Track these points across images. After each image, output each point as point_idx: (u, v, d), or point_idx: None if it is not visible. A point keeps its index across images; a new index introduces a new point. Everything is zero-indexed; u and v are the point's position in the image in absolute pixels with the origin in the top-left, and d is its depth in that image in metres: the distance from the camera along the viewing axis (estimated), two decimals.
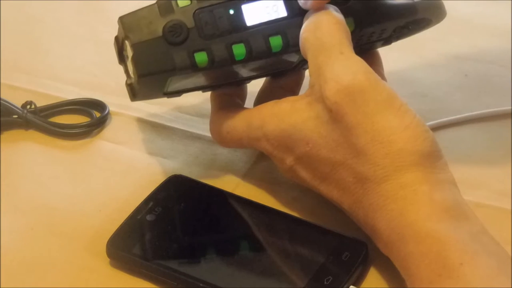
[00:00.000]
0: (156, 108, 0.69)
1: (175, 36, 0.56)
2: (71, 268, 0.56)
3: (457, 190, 0.53)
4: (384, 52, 0.63)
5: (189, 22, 0.56)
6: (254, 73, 0.59)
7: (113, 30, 0.58)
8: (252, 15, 0.57)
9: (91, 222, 0.59)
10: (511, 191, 0.61)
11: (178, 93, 0.59)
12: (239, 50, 0.57)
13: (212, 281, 0.54)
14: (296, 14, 0.57)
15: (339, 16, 0.56)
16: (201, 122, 0.68)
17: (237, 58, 0.57)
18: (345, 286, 0.53)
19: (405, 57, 0.74)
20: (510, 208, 0.59)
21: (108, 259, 0.56)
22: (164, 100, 0.61)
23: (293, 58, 0.58)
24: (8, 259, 0.57)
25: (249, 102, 0.63)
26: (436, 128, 0.66)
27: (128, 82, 0.58)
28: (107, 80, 0.73)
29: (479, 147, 0.65)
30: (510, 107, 0.68)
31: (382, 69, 0.62)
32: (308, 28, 0.56)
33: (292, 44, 0.57)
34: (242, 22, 0.57)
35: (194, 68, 0.56)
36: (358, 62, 0.54)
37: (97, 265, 0.56)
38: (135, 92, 0.58)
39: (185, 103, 0.69)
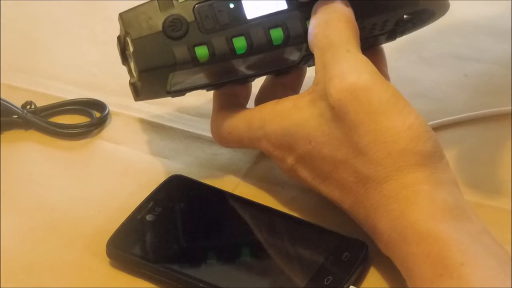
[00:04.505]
0: (156, 108, 0.69)
1: (175, 30, 0.56)
2: (71, 268, 0.56)
3: (458, 191, 0.53)
4: (385, 52, 0.63)
5: (189, 17, 0.56)
6: (256, 71, 0.59)
7: (113, 30, 0.58)
8: (252, 8, 0.57)
9: (91, 222, 0.59)
10: (511, 191, 0.61)
11: (182, 91, 0.59)
12: (239, 43, 0.57)
13: (212, 281, 0.53)
14: (297, 6, 0.57)
15: (349, 13, 0.56)
16: (201, 122, 0.68)
17: (238, 52, 0.57)
18: (345, 286, 0.53)
19: (405, 57, 0.74)
20: (510, 208, 0.59)
21: (108, 259, 0.56)
22: (165, 100, 0.61)
23: (295, 55, 0.58)
24: (8, 259, 0.57)
25: (250, 103, 0.62)
26: (436, 128, 0.66)
27: (132, 81, 0.58)
28: (107, 80, 0.73)
29: (479, 147, 0.65)
30: (510, 107, 0.68)
31: (386, 67, 0.62)
32: (317, 24, 0.56)
33: (293, 36, 0.57)
34: (242, 15, 0.57)
35: (195, 62, 0.56)
36: (364, 62, 0.54)
37: (97, 265, 0.56)
38: (138, 91, 0.58)
39: (185, 103, 0.69)
